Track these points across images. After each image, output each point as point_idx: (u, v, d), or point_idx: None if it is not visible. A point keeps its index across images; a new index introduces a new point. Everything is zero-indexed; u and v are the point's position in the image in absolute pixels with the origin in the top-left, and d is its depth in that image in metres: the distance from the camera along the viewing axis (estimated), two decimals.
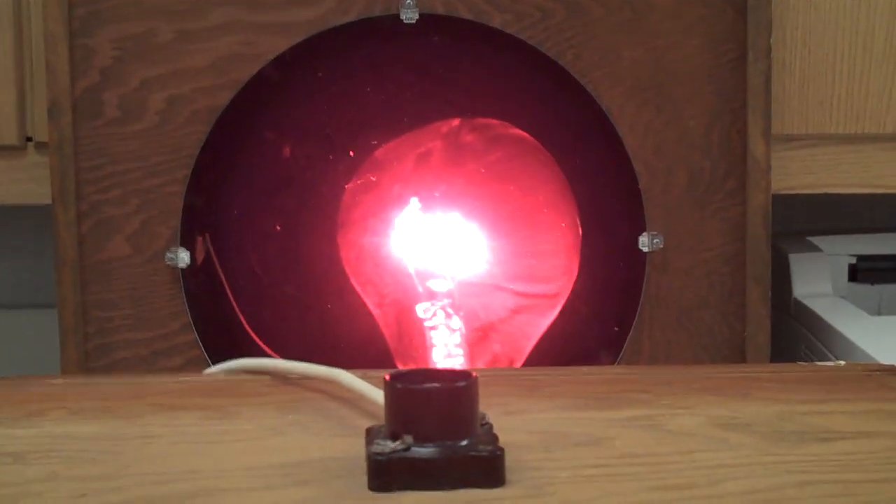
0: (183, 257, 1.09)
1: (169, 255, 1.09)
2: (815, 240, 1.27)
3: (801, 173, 1.17)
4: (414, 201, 1.12)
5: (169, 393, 0.45)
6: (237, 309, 1.11)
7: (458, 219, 1.13)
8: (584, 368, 0.69)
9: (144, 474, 0.49)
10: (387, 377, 0.52)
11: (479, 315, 1.11)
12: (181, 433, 0.47)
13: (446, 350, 1.09)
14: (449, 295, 1.11)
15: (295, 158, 1.12)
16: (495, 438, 0.51)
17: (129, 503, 0.47)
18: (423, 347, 1.09)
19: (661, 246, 1.10)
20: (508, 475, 0.50)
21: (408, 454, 0.51)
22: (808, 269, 1.23)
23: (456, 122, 1.13)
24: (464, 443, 0.51)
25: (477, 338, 1.11)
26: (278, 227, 1.12)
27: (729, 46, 1.10)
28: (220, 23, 1.09)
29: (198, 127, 1.09)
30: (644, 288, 1.10)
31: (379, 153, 1.12)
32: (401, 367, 1.11)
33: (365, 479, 0.50)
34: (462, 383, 0.52)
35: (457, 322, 1.10)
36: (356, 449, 0.52)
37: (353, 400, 0.60)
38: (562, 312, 1.12)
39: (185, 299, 1.09)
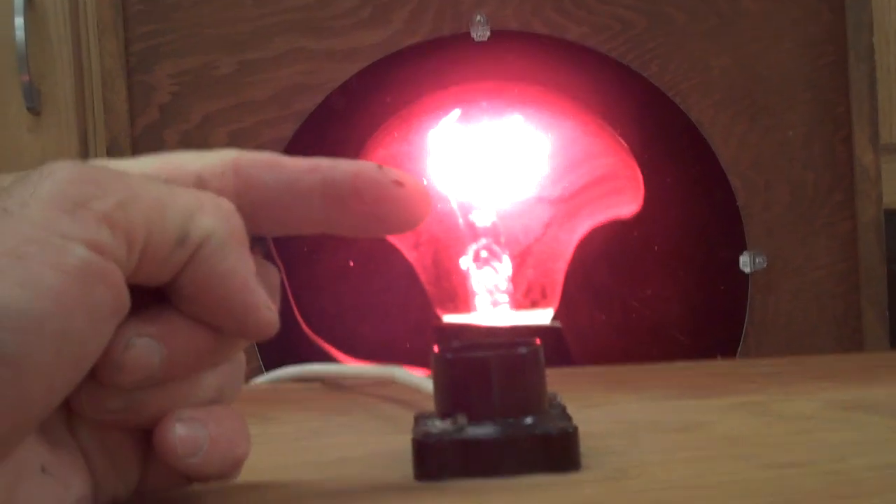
0: None
1: None
2: None
3: None
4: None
5: None
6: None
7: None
8: (679, 363, 0.59)
9: None
10: (435, 349, 0.42)
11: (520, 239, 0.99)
12: None
13: (491, 297, 0.97)
14: (493, 230, 0.99)
15: None
16: (568, 417, 0.41)
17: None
18: (465, 292, 0.97)
19: (765, 266, 0.99)
20: (586, 461, 0.40)
21: (460, 435, 0.41)
22: None
23: None
24: (528, 420, 0.41)
25: (515, 265, 0.98)
26: (351, 263, 1.03)
27: (826, 49, 0.98)
28: (283, 52, 1.00)
29: None
30: (748, 312, 0.99)
31: None
32: (441, 314, 0.99)
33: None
34: (524, 349, 0.42)
35: (507, 266, 0.97)
36: (407, 442, 0.42)
37: (414, 401, 0.50)
38: (657, 340, 1.00)
39: None
